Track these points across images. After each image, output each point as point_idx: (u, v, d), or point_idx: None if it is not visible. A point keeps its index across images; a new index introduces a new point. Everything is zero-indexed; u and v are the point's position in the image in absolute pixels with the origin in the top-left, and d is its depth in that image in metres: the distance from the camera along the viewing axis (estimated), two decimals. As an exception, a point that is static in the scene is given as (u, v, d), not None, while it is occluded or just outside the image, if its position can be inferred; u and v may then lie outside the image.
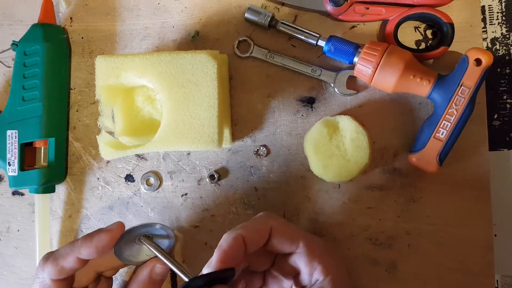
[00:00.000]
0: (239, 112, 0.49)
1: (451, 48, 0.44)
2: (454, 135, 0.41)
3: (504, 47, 0.45)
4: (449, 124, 0.41)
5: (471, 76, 0.40)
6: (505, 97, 0.45)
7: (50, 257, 0.41)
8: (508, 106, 0.45)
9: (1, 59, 0.54)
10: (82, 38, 0.53)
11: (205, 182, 0.50)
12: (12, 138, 0.49)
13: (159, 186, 0.51)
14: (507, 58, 0.45)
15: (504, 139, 0.45)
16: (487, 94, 0.45)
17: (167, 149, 0.44)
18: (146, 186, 0.51)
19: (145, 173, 0.51)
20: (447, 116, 0.41)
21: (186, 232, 0.50)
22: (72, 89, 0.53)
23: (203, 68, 0.42)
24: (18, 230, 0.54)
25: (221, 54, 0.48)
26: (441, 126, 0.41)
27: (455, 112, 0.41)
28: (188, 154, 0.50)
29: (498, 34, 0.46)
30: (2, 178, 0.55)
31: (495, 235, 0.45)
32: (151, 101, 0.47)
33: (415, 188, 0.46)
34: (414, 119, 0.46)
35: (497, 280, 0.46)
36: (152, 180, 0.51)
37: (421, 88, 0.42)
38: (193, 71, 0.42)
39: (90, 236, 0.41)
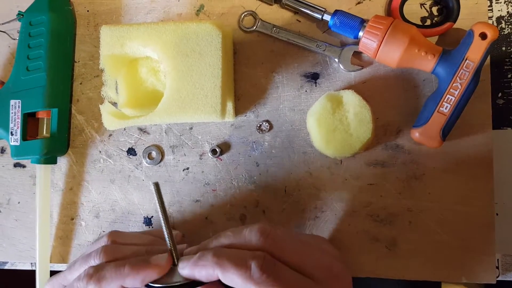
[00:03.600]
0: (243, 87, 0.49)
1: (456, 26, 0.44)
2: (458, 110, 0.41)
3: (510, 26, 0.45)
4: (453, 98, 0.41)
5: (476, 50, 0.40)
6: (509, 75, 0.45)
7: (94, 275, 0.38)
8: (512, 85, 0.45)
9: (7, 31, 0.54)
10: (88, 11, 0.53)
11: (207, 157, 0.50)
12: (15, 108, 0.49)
13: (161, 160, 0.51)
14: (512, 36, 0.45)
15: (507, 118, 0.45)
16: (492, 73, 0.45)
17: (170, 119, 0.44)
18: (148, 160, 0.51)
19: (147, 146, 0.51)
20: (451, 90, 0.41)
21: (187, 206, 0.50)
22: (76, 62, 0.53)
23: (208, 38, 0.42)
24: (18, 202, 0.54)
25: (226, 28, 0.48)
26: (445, 100, 0.41)
27: (460, 87, 0.41)
28: (191, 128, 0.50)
29: (504, 13, 0.45)
30: (4, 150, 0.55)
31: (497, 214, 0.45)
32: (154, 73, 0.47)
33: (417, 165, 0.46)
34: (418, 96, 0.46)
35: (497, 259, 0.46)
36: (154, 154, 0.50)
37: (425, 62, 0.42)
38: (197, 41, 0.42)
39: (137, 267, 0.38)
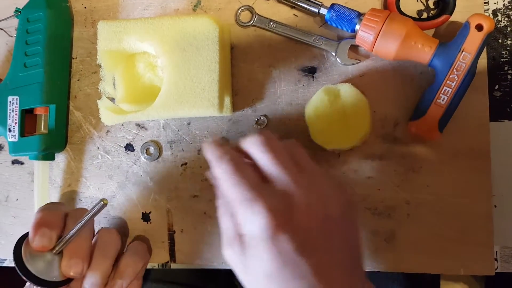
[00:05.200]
0: (240, 82, 0.49)
1: (453, 18, 0.44)
2: (455, 102, 0.41)
3: (506, 18, 0.45)
4: (450, 90, 0.41)
5: (473, 42, 0.40)
6: (506, 68, 0.45)
7: None
8: (509, 77, 0.45)
9: (5, 29, 0.55)
10: (85, 8, 0.53)
11: (205, 152, 0.50)
12: (13, 104, 0.49)
13: (159, 156, 0.51)
14: (508, 29, 0.45)
15: (505, 110, 0.45)
16: (489, 65, 0.45)
17: (168, 114, 0.44)
18: (146, 155, 0.51)
19: (145, 142, 0.51)
20: (448, 82, 0.41)
21: (185, 201, 0.50)
22: (73, 58, 0.53)
23: (205, 32, 0.42)
24: (17, 199, 0.54)
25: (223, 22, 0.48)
26: (442, 92, 0.41)
27: (456, 78, 0.41)
28: (188, 123, 0.50)
29: (500, 5, 0.46)
30: (2, 147, 0.55)
31: (495, 206, 0.45)
32: (152, 68, 0.47)
33: (415, 158, 0.46)
34: (415, 89, 0.46)
35: (496, 251, 0.46)
36: (152, 149, 0.50)
37: (422, 54, 0.42)
38: (194, 35, 0.42)
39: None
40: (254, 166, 0.36)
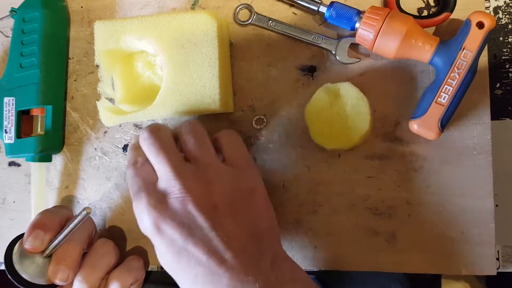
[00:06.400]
0: (239, 81, 0.49)
1: (453, 16, 0.44)
2: (456, 100, 0.41)
3: (507, 16, 0.45)
4: (451, 88, 0.41)
5: (474, 39, 0.40)
6: (507, 66, 0.45)
7: None
8: (510, 75, 0.45)
9: (0, 29, 0.54)
10: (82, 7, 0.52)
11: (204, 152, 0.49)
12: (9, 105, 0.49)
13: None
14: (509, 26, 0.45)
15: (506, 109, 0.45)
16: (490, 63, 0.45)
17: (169, 113, 0.43)
18: None
19: None
20: (449, 80, 0.41)
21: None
22: (70, 58, 0.52)
23: (203, 28, 0.42)
24: (14, 202, 0.53)
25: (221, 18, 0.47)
26: (443, 90, 0.41)
27: (457, 76, 0.41)
28: (187, 124, 0.50)
29: (501, 3, 0.45)
30: (-1, 149, 0.54)
31: (496, 205, 0.45)
32: (150, 67, 0.47)
33: (416, 158, 0.45)
34: (416, 88, 0.45)
35: (498, 251, 0.45)
36: None
37: (423, 52, 0.41)
38: (193, 31, 0.42)
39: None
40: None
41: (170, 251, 0.35)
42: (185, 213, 0.35)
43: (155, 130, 0.39)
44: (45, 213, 0.44)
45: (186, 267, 0.35)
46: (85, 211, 0.41)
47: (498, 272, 0.45)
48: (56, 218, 0.44)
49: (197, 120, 0.41)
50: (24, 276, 0.40)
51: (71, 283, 0.42)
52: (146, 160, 0.39)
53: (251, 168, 0.41)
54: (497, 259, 0.45)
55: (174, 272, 0.37)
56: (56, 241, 0.42)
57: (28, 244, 0.41)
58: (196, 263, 0.34)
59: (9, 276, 0.40)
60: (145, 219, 0.36)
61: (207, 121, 0.49)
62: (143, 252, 0.49)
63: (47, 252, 0.42)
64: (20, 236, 0.43)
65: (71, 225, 0.41)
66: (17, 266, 0.40)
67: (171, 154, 0.38)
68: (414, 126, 0.43)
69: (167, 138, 0.39)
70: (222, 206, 0.36)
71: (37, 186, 0.50)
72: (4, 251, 0.41)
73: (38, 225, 0.42)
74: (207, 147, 0.40)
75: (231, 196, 0.37)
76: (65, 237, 0.41)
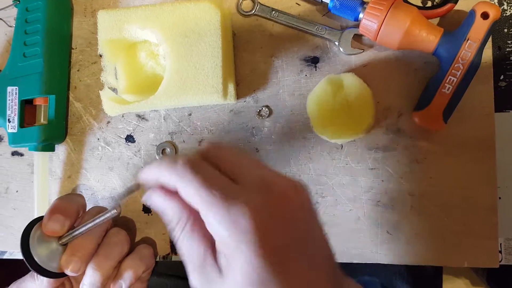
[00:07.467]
0: (242, 72, 0.49)
1: (458, 7, 0.44)
2: (459, 91, 0.41)
3: (512, 7, 0.45)
4: (455, 79, 0.41)
5: (478, 30, 0.40)
6: (511, 58, 0.45)
7: None
8: (514, 67, 0.45)
9: (4, 18, 0.54)
10: (85, -3, 0.52)
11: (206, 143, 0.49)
12: (13, 95, 0.49)
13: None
14: (514, 18, 0.45)
15: (510, 100, 0.45)
16: (494, 55, 0.45)
17: (171, 102, 0.43)
18: (161, 156, 0.50)
19: (161, 143, 0.49)
20: (453, 71, 0.41)
21: (186, 193, 0.49)
22: (73, 48, 0.52)
23: (206, 17, 0.41)
24: (17, 191, 0.53)
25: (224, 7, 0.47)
26: (447, 81, 0.41)
27: (461, 67, 0.40)
28: (190, 114, 0.50)
29: (506, -6, 0.45)
30: (2, 139, 0.54)
31: (500, 198, 0.45)
32: (153, 56, 0.47)
33: (418, 149, 0.45)
34: (420, 79, 0.45)
35: (500, 243, 0.45)
36: (168, 150, 0.49)
37: (427, 43, 0.41)
38: (196, 20, 0.42)
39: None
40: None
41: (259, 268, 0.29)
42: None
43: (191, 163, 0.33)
44: (64, 199, 0.44)
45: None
46: (115, 210, 0.40)
47: (500, 265, 0.45)
48: (74, 205, 0.44)
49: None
50: (37, 259, 0.40)
51: (82, 273, 0.42)
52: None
53: None
54: (500, 251, 0.45)
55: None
56: (77, 232, 0.41)
57: (48, 228, 0.41)
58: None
59: (23, 257, 0.40)
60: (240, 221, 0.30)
61: (210, 112, 0.49)
62: (149, 241, 0.50)
63: (64, 240, 0.42)
64: (38, 219, 0.43)
65: (97, 220, 0.41)
66: (32, 249, 0.40)
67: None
68: (418, 117, 0.42)
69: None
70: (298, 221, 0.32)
71: (40, 176, 0.50)
72: (22, 232, 0.41)
73: (58, 209, 0.42)
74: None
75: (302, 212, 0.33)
76: (87, 230, 0.41)
